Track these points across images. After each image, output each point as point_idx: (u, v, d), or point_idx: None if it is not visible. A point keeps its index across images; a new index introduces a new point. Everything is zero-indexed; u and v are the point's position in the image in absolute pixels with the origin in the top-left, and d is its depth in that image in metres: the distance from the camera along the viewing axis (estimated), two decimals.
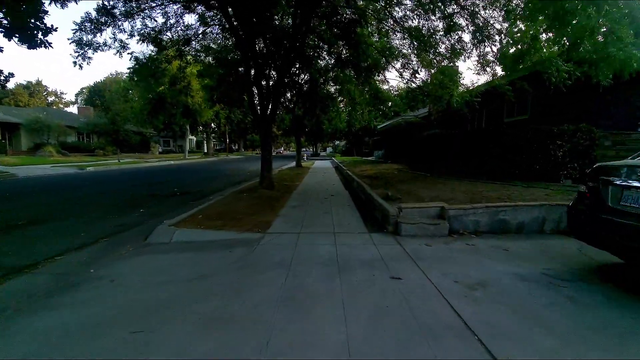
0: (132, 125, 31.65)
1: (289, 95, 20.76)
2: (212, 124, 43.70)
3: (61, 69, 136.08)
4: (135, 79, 11.67)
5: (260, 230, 5.04)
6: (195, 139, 60.33)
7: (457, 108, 8.88)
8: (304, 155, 34.89)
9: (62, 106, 71.57)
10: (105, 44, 9.60)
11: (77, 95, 78.73)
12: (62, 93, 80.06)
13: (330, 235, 4.67)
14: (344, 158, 30.86)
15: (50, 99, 74.97)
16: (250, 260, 3.72)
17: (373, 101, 10.66)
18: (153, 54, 11.25)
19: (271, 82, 10.46)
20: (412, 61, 9.31)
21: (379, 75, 9.92)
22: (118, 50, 9.68)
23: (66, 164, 19.74)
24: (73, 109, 61.62)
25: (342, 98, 18.81)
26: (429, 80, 9.03)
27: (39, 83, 72.04)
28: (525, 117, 9.31)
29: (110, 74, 66.45)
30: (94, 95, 63.27)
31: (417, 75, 9.07)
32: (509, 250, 3.99)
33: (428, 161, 11.46)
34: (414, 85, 9.70)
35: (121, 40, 9.67)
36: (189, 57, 12.10)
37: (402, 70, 9.46)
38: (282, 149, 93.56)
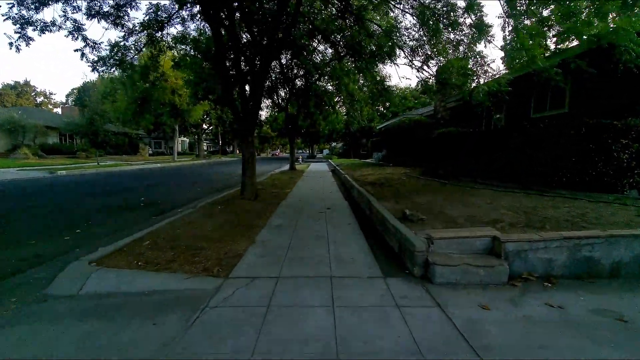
0: (113, 126, 29.86)
1: (282, 93, 19.24)
2: (204, 125, 41.93)
3: (52, 69, 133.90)
4: (99, 70, 9.92)
5: (220, 272, 3.38)
6: (187, 140, 58.49)
7: (479, 101, 7.27)
8: (299, 158, 33.26)
9: (51, 107, 69.54)
10: (54, 23, 7.96)
11: (67, 95, 76.60)
12: (51, 93, 77.86)
13: (326, 285, 3.02)
14: (341, 160, 29.26)
15: (39, 99, 72.91)
16: (177, 350, 2.06)
17: (376, 95, 8.99)
18: (119, 40, 9.60)
19: (247, 69, 8.83)
20: (425, 44, 7.70)
21: (383, 63, 8.29)
22: (71, 32, 8.04)
23: (37, 167, 17.95)
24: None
25: (339, 96, 17.28)
26: (446, 68, 7.41)
27: (27, 83, 69.95)
28: (562, 110, 7.73)
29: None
30: (84, 95, 61.37)
31: (430, 61, 7.46)
32: (627, 322, 2.36)
33: (439, 164, 9.86)
34: (426, 73, 8.10)
35: (75, 20, 8.05)
36: (162, 44, 10.39)
37: (412, 56, 7.85)
38: (278, 150, 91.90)
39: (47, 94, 74.97)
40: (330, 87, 16.98)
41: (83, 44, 7.74)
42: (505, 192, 6.11)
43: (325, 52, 16.41)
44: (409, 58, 7.76)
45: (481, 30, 6.61)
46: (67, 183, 12.75)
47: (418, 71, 8.03)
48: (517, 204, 4.94)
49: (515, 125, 7.93)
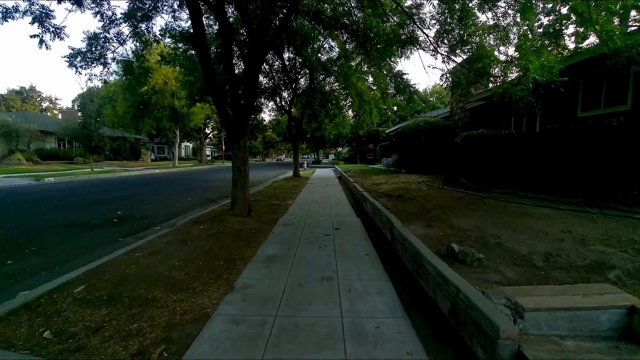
0: (109, 130, 28.91)
1: (285, 94, 18.02)
2: (207, 130, 40.97)
3: (60, 74, 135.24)
4: (76, 65, 8.71)
5: None
6: (191, 145, 57.69)
7: (519, 97, 5.85)
8: (304, 163, 31.99)
9: (56, 112, 69.37)
10: (16, 9, 6.87)
11: (73, 101, 76.66)
12: (57, 99, 77.75)
13: None
14: (347, 166, 27.90)
15: (45, 104, 73.00)
16: None
17: (399, 88, 7.60)
18: (98, 30, 8.46)
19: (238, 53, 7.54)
20: (453, 27, 6.33)
21: (403, 50, 6.92)
22: (36, 19, 6.88)
23: (25, 174, 16.89)
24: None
25: (347, 97, 15.98)
26: (481, 54, 6.02)
27: (32, 89, 70.07)
28: (624, 107, 6.31)
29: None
30: (88, 100, 61.14)
31: (462, 48, 6.08)
32: None
33: (464, 172, 8.47)
34: (453, 64, 6.74)
35: (42, 6, 6.92)
36: (148, 37, 9.19)
37: (438, 42, 6.49)
38: (283, 155, 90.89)
39: (53, 99, 75.18)
40: (336, 86, 15.72)
41: (40, 29, 6.49)
42: (573, 211, 4.70)
43: (331, 50, 15.28)
44: (434, 44, 6.40)
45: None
46: (48, 191, 11.57)
47: (444, 62, 6.67)
48: (609, 231, 3.53)
49: (556, 126, 6.55)
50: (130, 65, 9.37)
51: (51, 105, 73.23)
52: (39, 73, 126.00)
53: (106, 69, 8.89)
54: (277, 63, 14.97)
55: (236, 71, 9.73)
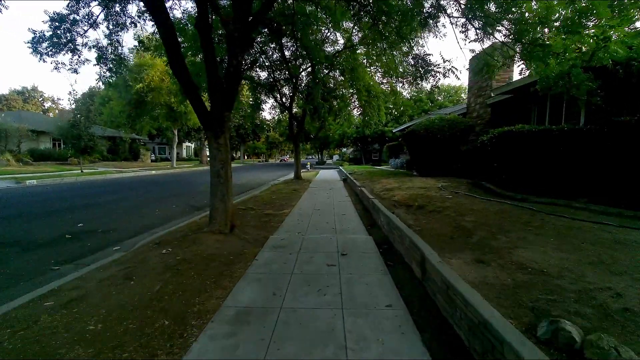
0: (103, 130, 27.86)
1: (286, 91, 16.70)
2: None
3: (61, 75, 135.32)
4: (42, 52, 7.47)
5: None
6: (192, 146, 56.64)
7: (578, 83, 4.45)
8: (307, 164, 30.67)
9: (58, 112, 68.67)
10: None
11: (76, 101, 76.07)
12: (59, 99, 77.08)
13: None
14: (353, 167, 26.52)
15: (47, 104, 72.44)
16: None
17: (418, 71, 6.21)
18: (65, 11, 7.29)
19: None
20: None
21: (422, 24, 5.52)
22: None
23: (8, 176, 15.76)
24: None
25: (352, 92, 14.60)
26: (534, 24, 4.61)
27: (34, 89, 69.59)
28: None
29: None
30: (89, 100, 60.37)
31: (506, 12, 4.69)
32: None
33: (497, 176, 7.09)
34: (487, 42, 5.36)
35: None
36: (122, 21, 7.96)
37: (470, 11, 5.10)
38: (287, 156, 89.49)
39: (55, 99, 74.52)
40: (341, 79, 14.34)
41: None
42: None
43: (335, 43, 13.94)
44: (466, 15, 5.01)
45: None
46: (18, 196, 10.36)
47: (477, 39, 5.28)
48: None
49: (612, 121, 5.19)
50: (103, 53, 8.14)
51: (53, 105, 72.66)
52: (41, 73, 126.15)
53: (77, 57, 7.63)
54: (276, 55, 13.69)
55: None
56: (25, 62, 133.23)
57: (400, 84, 9.08)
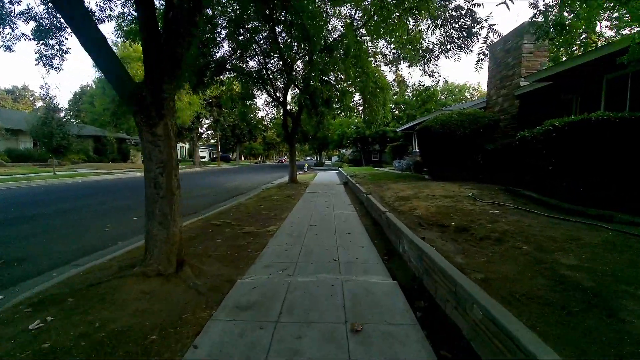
0: (73, 128, 26.11)
1: (280, 84, 14.96)
2: (200, 129, 38.01)
3: (55, 75, 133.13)
4: None
5: None
6: (186, 146, 54.76)
7: None
8: (305, 166, 28.91)
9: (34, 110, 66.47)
10: None
11: (69, 100, 74.31)
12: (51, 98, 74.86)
13: None
14: (353, 169, 24.77)
15: (38, 104, 70.21)
16: None
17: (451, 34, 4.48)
18: None
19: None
20: None
21: None
22: None
23: None
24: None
25: (354, 86, 12.86)
26: None
27: (25, 88, 67.62)
28: None
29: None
30: (80, 99, 58.47)
31: None
32: None
33: (565, 184, 5.35)
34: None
35: None
36: None
37: None
38: (285, 157, 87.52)
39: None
40: (340, 75, 12.61)
41: None
42: None
43: (335, 30, 12.25)
44: None
45: None
46: None
47: None
48: None
49: None
50: (40, 24, 6.36)
51: (44, 104, 70.62)
52: (33, 72, 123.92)
53: (11, 30, 5.88)
54: (268, 41, 11.90)
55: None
56: (16, 61, 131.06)
57: (417, 66, 7.41)
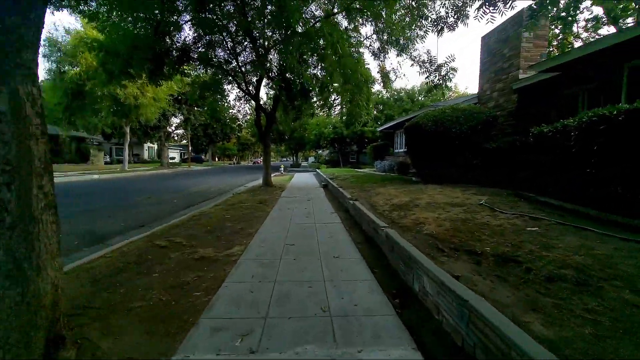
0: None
1: (253, 78, 13.51)
2: (169, 128, 35.54)
3: None
4: None
5: None
6: (155, 146, 51.55)
7: None
8: (281, 167, 27.47)
9: None
10: None
11: None
12: None
13: None
14: (332, 170, 23.56)
15: None
16: None
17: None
18: None
19: None
20: None
21: None
22: None
23: None
24: None
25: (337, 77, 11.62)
26: None
27: None
28: None
29: None
30: None
31: None
32: None
33: (621, 191, 4.33)
34: None
35: None
36: None
37: None
38: (260, 158, 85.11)
39: None
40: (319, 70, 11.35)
41: None
42: None
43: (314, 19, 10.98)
44: None
45: None
46: None
47: None
48: None
49: None
50: None
51: None
52: None
53: None
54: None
55: None
56: None
57: (407, 55, 6.32)
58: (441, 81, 7.99)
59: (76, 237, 5.39)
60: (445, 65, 7.98)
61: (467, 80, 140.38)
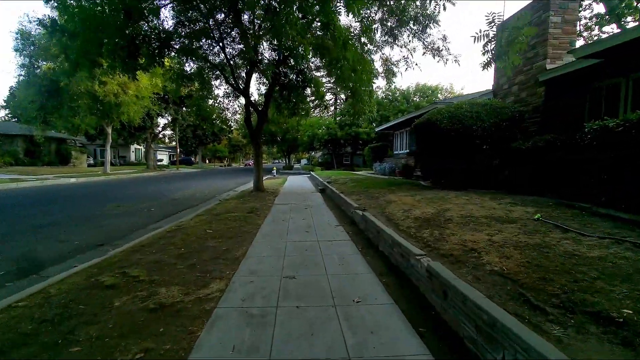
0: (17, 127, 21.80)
1: (242, 72, 12.29)
2: (154, 129, 33.88)
3: None
4: None
5: None
6: (142, 148, 49.68)
7: None
8: (274, 169, 26.20)
9: None
10: None
11: (5, 98, 65.58)
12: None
13: None
14: (328, 173, 22.35)
15: None
16: None
17: None
18: None
19: None
20: None
21: None
22: None
23: None
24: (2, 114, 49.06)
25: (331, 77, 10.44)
26: None
27: None
28: None
29: None
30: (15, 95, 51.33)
31: None
32: None
33: None
34: None
35: None
36: None
37: None
38: (252, 161, 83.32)
39: None
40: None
41: None
42: None
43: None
44: None
45: None
46: None
47: None
48: None
49: None
50: None
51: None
52: None
53: None
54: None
55: None
56: None
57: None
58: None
59: (8, 263, 4.09)
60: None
61: (464, 81, 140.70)
